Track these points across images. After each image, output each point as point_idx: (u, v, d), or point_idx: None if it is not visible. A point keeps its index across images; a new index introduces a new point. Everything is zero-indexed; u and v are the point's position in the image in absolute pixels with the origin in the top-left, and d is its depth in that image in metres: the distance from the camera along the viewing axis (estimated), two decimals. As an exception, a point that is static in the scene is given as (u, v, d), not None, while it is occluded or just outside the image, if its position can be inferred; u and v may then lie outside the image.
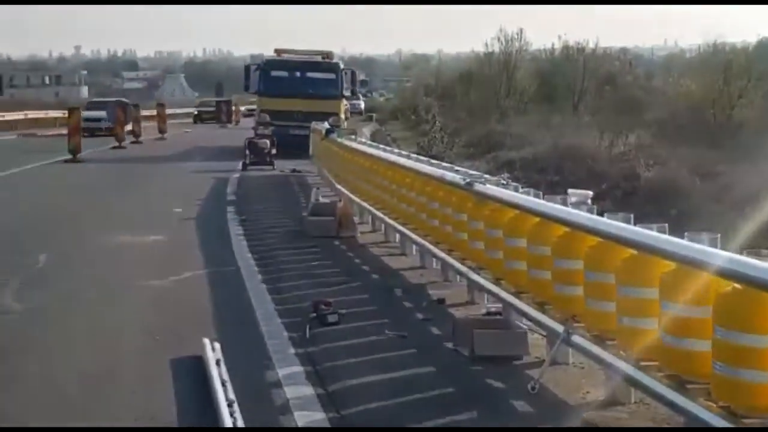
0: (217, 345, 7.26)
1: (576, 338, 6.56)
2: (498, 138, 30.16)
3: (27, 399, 6.41)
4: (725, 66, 29.75)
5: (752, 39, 49.42)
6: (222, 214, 16.32)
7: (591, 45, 41.80)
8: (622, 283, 5.91)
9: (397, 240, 12.54)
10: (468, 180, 9.07)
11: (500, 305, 8.54)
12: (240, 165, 25.22)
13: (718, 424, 4.92)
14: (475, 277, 8.94)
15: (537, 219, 7.48)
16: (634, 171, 18.32)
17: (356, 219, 14.52)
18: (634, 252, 5.89)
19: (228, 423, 5.59)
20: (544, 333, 7.37)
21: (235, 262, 11.58)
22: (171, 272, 10.78)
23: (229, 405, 5.86)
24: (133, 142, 36.46)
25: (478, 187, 8.84)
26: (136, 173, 24.81)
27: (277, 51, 33.97)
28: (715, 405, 5.00)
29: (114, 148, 33.66)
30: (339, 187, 16.94)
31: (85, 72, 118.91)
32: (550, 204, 7.42)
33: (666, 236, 5.67)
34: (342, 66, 33.98)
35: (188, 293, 9.80)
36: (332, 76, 32.57)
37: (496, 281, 8.37)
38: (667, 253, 5.43)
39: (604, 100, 31.28)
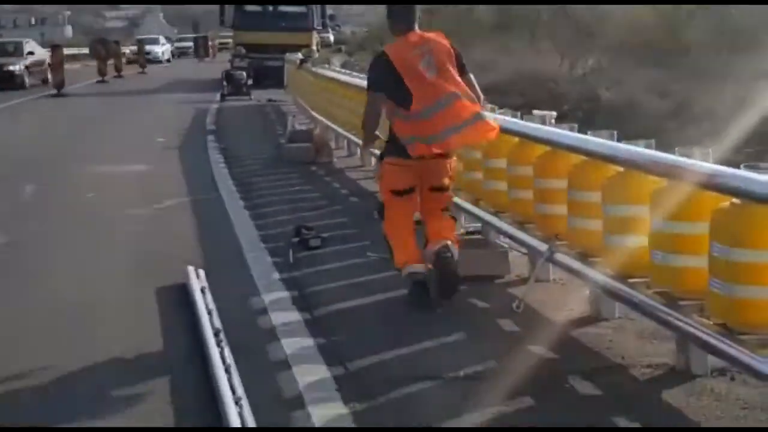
0: (202, 272, 6.75)
1: (559, 256, 6.11)
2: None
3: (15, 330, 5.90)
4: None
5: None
6: (203, 143, 15.71)
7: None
8: (608, 202, 5.43)
9: (372, 164, 11.96)
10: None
11: (479, 225, 8.09)
12: (218, 96, 24.70)
13: (710, 340, 4.49)
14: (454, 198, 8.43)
15: (517, 140, 6.96)
16: (594, 92, 17.68)
17: (332, 144, 13.97)
18: (621, 169, 5.41)
19: (215, 351, 5.10)
20: (525, 251, 6.93)
21: (216, 189, 11.02)
22: (155, 201, 10.22)
23: (216, 334, 5.37)
24: (115, 77, 35.64)
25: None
26: (118, 106, 24.04)
27: (250, -14, 33.00)
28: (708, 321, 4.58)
29: (98, 82, 32.89)
30: (314, 114, 16.31)
31: (69, 12, 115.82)
32: (533, 124, 6.88)
33: (655, 152, 5.17)
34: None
35: (172, 221, 9.26)
36: (303, 9, 31.80)
37: (475, 202, 7.89)
38: (660, 170, 4.93)
39: (560, 28, 30.40)
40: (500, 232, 7.24)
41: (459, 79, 5.98)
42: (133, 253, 7.92)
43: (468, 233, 8.32)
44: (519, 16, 39.14)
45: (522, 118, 7.28)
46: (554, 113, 7.74)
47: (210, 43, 58.42)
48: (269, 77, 27.01)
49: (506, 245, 7.17)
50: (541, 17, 36.59)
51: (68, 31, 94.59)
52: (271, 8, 31.85)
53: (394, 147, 6.10)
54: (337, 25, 58.78)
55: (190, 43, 60.69)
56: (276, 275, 7.10)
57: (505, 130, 7.16)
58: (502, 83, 22.86)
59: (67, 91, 27.72)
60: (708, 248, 4.44)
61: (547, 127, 6.65)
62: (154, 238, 8.52)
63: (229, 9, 32.46)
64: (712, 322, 4.51)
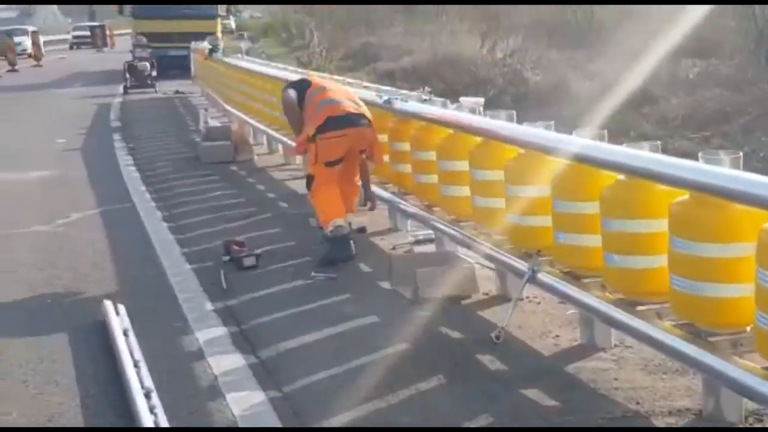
0: (122, 308, 5.71)
1: (543, 275, 5.26)
2: (374, 50, 28.34)
3: None
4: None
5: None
6: (108, 142, 14.48)
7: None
8: (610, 216, 4.60)
9: (299, 162, 10.97)
10: (386, 98, 7.54)
11: (430, 232, 7.22)
12: (121, 89, 23.31)
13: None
14: (401, 204, 7.53)
15: (479, 139, 6.08)
16: (520, 75, 16.89)
17: (251, 141, 12.93)
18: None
19: (149, 420, 4.12)
20: (493, 267, 6.06)
21: (129, 197, 9.89)
22: (58, 214, 9.07)
23: (147, 395, 4.37)
24: (8, 71, 33.66)
25: (399, 104, 7.36)
26: (12, 103, 22.39)
27: (148, -28, 31.39)
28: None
29: (-10, 78, 31.01)
30: (229, 107, 15.19)
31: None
32: (494, 121, 6.00)
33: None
34: (214, -15, 31.64)
35: (80, 239, 8.12)
36: (207, -5, 30.38)
37: (428, 208, 7.00)
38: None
39: (464, 8, 29.41)
40: (463, 245, 6.36)
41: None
42: (34, 284, 6.76)
43: (417, 242, 7.46)
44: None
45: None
46: (481, 100, 6.96)
47: (108, 32, 56.36)
48: (174, 67, 25.77)
49: (471, 260, 6.28)
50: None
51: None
52: (172, -6, 30.34)
53: (324, 124, 6.78)
54: (238, 10, 57.33)
55: (88, 32, 58.37)
56: (209, 305, 6.10)
57: (465, 128, 6.33)
58: (419, 67, 21.98)
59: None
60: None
61: (514, 125, 5.75)
62: (60, 263, 7.35)
63: (127, -4, 30.89)
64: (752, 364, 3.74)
